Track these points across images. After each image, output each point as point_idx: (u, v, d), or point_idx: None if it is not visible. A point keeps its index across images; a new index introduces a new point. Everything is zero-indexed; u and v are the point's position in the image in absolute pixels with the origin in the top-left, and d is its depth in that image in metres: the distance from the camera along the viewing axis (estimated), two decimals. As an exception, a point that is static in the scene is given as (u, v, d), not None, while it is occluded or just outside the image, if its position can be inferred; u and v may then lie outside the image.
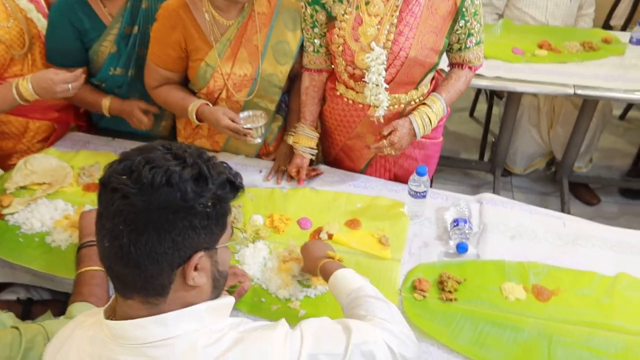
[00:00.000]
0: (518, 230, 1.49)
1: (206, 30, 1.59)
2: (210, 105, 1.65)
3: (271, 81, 1.68)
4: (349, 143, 1.76)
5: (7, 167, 1.77)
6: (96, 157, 1.80)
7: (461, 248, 1.40)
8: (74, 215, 1.54)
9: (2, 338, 0.99)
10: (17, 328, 1.01)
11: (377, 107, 1.53)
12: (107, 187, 0.74)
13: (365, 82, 1.51)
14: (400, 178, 1.76)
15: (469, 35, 1.51)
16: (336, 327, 0.88)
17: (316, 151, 1.73)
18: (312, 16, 1.54)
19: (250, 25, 1.61)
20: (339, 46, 1.52)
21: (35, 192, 1.62)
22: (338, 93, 1.66)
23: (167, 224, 0.72)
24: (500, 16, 2.79)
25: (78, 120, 2.00)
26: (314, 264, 1.22)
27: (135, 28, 1.75)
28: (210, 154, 0.82)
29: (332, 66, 1.65)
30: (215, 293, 0.83)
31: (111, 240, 0.73)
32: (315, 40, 1.59)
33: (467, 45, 1.54)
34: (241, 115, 1.63)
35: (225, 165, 0.81)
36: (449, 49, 1.57)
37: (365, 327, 0.90)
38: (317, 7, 1.52)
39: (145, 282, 0.75)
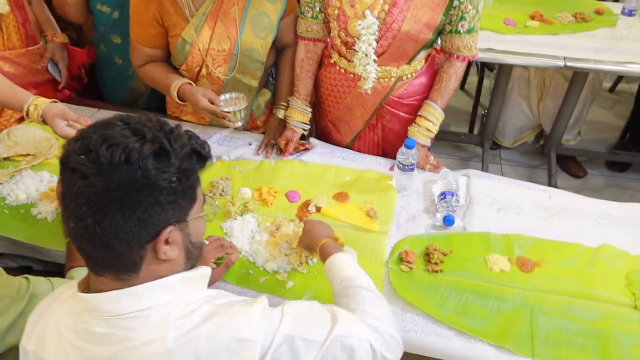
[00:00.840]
0: (504, 203, 1.50)
1: (182, 4, 1.54)
2: (193, 84, 1.61)
3: (252, 56, 1.63)
4: (338, 114, 1.75)
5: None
6: (81, 128, 1.78)
7: (448, 221, 1.41)
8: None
9: (10, 281, 1.03)
10: (26, 278, 1.05)
11: (366, 79, 1.52)
12: (66, 167, 0.72)
13: (356, 50, 1.48)
14: (389, 154, 1.73)
15: (461, 18, 1.46)
16: (322, 314, 0.87)
17: (309, 126, 1.71)
18: None
19: None
20: (334, 9, 1.50)
21: (20, 163, 1.60)
22: (332, 61, 1.64)
23: (131, 203, 0.70)
24: (493, -14, 2.75)
25: (59, 96, 1.95)
26: (315, 240, 1.20)
27: None
28: (186, 125, 0.79)
29: (328, 39, 1.63)
30: (190, 264, 0.82)
31: (76, 221, 0.72)
32: (316, 5, 1.56)
33: (458, 30, 1.49)
34: (222, 97, 1.58)
35: (190, 134, 0.78)
36: (441, 29, 1.52)
37: (352, 320, 0.88)
38: None
39: (115, 260, 0.74)
